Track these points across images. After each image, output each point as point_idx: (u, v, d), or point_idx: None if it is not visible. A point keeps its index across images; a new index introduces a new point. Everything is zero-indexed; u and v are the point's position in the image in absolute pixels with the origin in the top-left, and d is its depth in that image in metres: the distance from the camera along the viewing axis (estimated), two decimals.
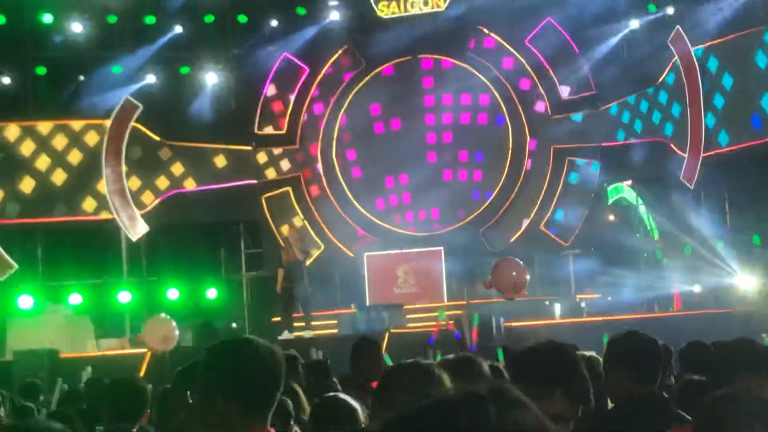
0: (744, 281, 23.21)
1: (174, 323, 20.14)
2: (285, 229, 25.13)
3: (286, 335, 22.25)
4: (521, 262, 19.56)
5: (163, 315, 20.97)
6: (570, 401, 4.08)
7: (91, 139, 27.12)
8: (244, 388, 3.79)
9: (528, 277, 19.59)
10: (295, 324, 23.13)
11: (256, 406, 3.81)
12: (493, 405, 1.72)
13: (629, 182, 28.65)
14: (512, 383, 4.34)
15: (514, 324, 20.87)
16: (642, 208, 28.57)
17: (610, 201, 29.03)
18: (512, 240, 27.48)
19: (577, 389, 4.12)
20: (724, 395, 3.84)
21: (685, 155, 24.31)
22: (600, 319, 21.12)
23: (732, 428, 3.61)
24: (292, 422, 6.70)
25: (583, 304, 24.14)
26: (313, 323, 23.17)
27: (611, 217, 28.79)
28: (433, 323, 21.30)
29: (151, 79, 27.56)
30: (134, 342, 23.83)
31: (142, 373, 18.85)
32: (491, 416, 1.70)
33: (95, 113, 27.00)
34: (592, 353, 8.88)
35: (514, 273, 19.13)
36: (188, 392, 3.96)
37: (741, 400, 3.73)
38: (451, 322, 20.78)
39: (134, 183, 27.30)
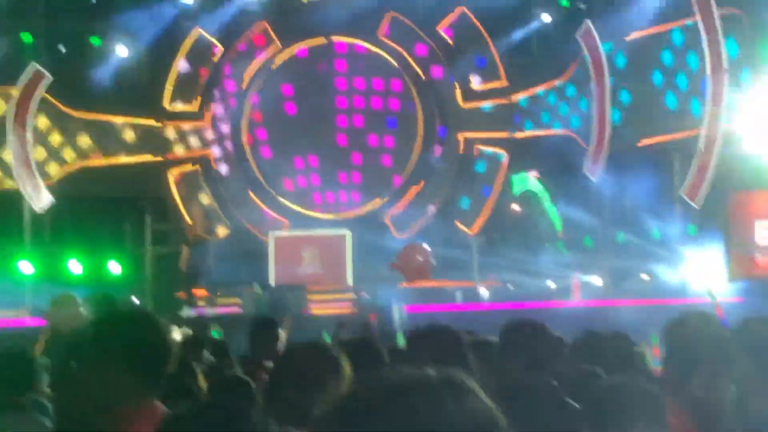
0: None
1: (81, 302, 19.98)
2: (191, 207, 24.95)
3: (188, 312, 22.17)
4: (428, 248, 19.71)
5: (71, 294, 20.80)
6: None
7: None
8: (132, 358, 3.73)
9: (433, 263, 19.74)
10: (198, 302, 23.06)
11: (144, 379, 3.75)
12: (447, 392, 1.72)
13: (535, 173, 28.93)
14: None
15: (415, 309, 21.01)
16: (546, 200, 28.87)
17: (516, 191, 29.28)
18: (417, 226, 27.64)
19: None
20: (611, 385, 3.94)
21: (590, 149, 24.61)
22: (500, 306, 21.32)
23: (617, 417, 3.71)
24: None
25: (483, 291, 24.33)
26: (216, 301, 23.11)
27: (516, 208, 29.05)
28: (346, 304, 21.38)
29: (61, 49, 27.23)
30: (35, 313, 23.60)
31: (40, 345, 18.66)
32: (447, 403, 1.70)
33: (2, 80, 26.60)
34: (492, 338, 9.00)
35: (420, 258, 19.30)
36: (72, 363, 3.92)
37: (627, 390, 3.83)
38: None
39: (40, 153, 26.96)
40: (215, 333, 19.58)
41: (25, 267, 26.20)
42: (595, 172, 24.54)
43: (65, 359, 4.72)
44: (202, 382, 7.74)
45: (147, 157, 28.14)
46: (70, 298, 18.44)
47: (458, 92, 28.19)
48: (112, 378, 3.69)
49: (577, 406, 5.08)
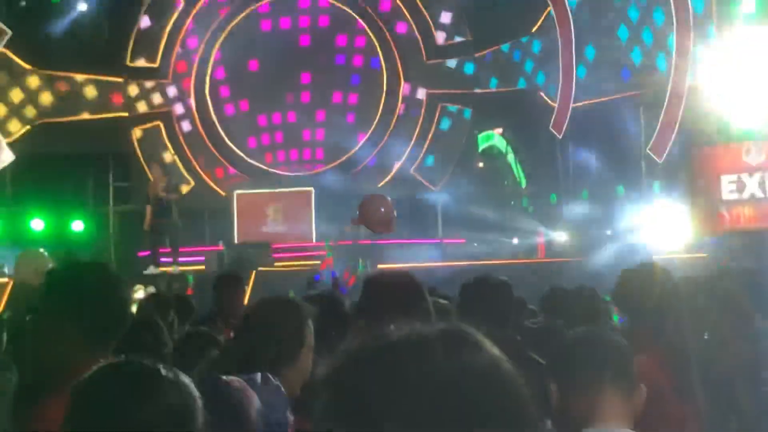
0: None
1: (47, 257, 19.89)
2: (151, 165, 24.75)
3: (152, 270, 22.10)
4: (388, 198, 19.60)
5: (37, 250, 20.72)
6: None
7: None
8: (87, 310, 3.63)
9: (395, 212, 19.64)
10: (162, 259, 22.97)
11: (102, 332, 3.65)
12: (443, 346, 1.68)
13: (500, 130, 28.96)
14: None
15: (383, 266, 20.99)
16: (511, 156, 28.91)
17: (480, 148, 29.30)
18: (382, 183, 27.60)
19: (420, 316, 4.22)
20: (576, 337, 3.92)
21: (555, 105, 24.61)
22: (464, 263, 21.34)
23: (583, 368, 3.68)
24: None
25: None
26: (179, 259, 23.04)
27: (480, 164, 29.08)
28: (307, 262, 21.35)
29: (21, 3, 26.94)
30: None
31: (2, 303, 18.58)
32: (438, 356, 1.66)
33: None
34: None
35: (381, 209, 19.18)
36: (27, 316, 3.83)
37: (592, 341, 3.81)
38: (330, 258, 20.82)
39: (0, 110, 26.73)
40: (190, 278, 19.61)
41: None
42: (560, 129, 24.54)
43: (23, 314, 4.65)
44: (168, 339, 7.69)
45: (109, 115, 27.92)
46: (36, 254, 18.35)
47: (422, 48, 28.08)
48: (65, 332, 3.60)
49: (541, 360, 5.07)
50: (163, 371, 2.56)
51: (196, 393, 2.58)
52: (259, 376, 3.63)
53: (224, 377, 3.41)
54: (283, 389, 3.74)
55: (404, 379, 1.63)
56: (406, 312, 4.20)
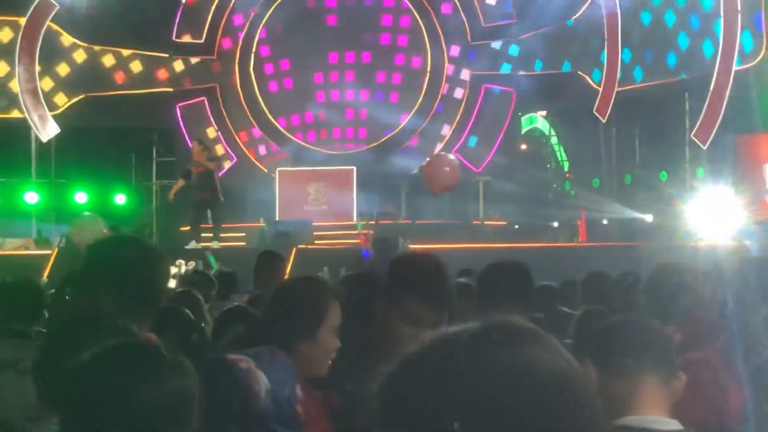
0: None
1: (102, 223, 20.17)
2: (193, 140, 24.82)
3: (193, 245, 22.19)
4: (455, 160, 19.43)
5: (93, 215, 21.02)
6: (430, 306, 4.19)
7: (5, 35, 26.65)
8: (127, 283, 3.67)
9: (458, 177, 19.46)
10: (203, 234, 23.08)
11: (138, 305, 3.68)
12: (501, 343, 1.68)
13: (543, 113, 28.86)
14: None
15: (417, 246, 20.95)
16: (554, 140, 28.83)
17: (524, 131, 29.22)
18: (424, 164, 27.57)
19: (437, 296, 4.24)
20: (616, 322, 3.91)
21: (600, 89, 24.48)
22: (504, 245, 21.31)
23: (622, 354, 3.67)
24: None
25: (489, 231, 24.33)
26: (221, 235, 23.13)
27: (523, 147, 29.01)
28: (351, 239, 21.38)
29: None
30: (39, 242, 23.72)
31: (45, 275, 18.73)
32: (502, 354, 1.66)
33: (10, 9, 26.48)
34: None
35: (447, 169, 19.08)
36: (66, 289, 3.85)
37: (632, 327, 3.80)
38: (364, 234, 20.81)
39: (47, 83, 26.91)
40: (212, 259, 19.63)
41: (31, 197, 26.23)
42: (604, 112, 24.42)
43: (62, 285, 4.68)
44: (207, 315, 7.75)
45: (154, 90, 28.05)
46: (92, 219, 18.42)
47: (468, 29, 27.99)
48: (101, 304, 3.62)
49: (568, 342, 5.06)
50: (165, 353, 2.58)
51: (194, 376, 2.60)
52: (266, 349, 3.62)
53: (231, 356, 3.42)
54: (291, 363, 3.74)
55: (470, 376, 1.63)
56: (427, 293, 4.25)
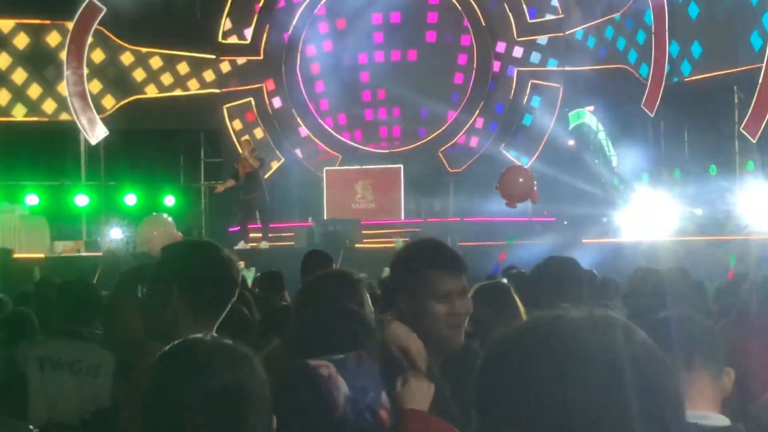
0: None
1: (170, 223, 20.41)
2: (242, 140, 24.93)
3: (242, 245, 22.30)
4: (529, 170, 19.46)
5: (160, 214, 21.32)
6: (455, 276, 4.17)
7: (53, 39, 26.86)
8: (199, 285, 3.75)
9: (534, 186, 19.47)
10: (252, 235, 23.17)
11: (208, 307, 3.77)
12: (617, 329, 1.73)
13: (591, 108, 28.71)
14: None
15: (467, 244, 20.92)
16: (602, 135, 28.68)
17: (571, 126, 29.08)
18: (471, 161, 27.56)
19: (459, 263, 4.23)
20: (665, 317, 3.89)
21: (648, 83, 24.35)
22: (550, 242, 21.20)
23: (670, 349, 3.65)
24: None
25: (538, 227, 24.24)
26: (270, 235, 23.23)
27: (571, 142, 28.87)
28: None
29: None
30: (90, 244, 23.92)
31: (95, 278, 18.84)
32: (619, 339, 1.71)
33: (58, 13, 26.69)
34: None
35: (521, 180, 19.09)
36: (138, 288, 3.89)
37: (681, 322, 3.78)
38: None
39: (95, 86, 27.11)
40: (246, 272, 19.73)
41: (81, 200, 26.43)
42: (652, 107, 24.28)
43: (117, 292, 4.72)
44: (256, 313, 7.78)
45: (201, 91, 28.19)
46: (160, 218, 18.50)
47: (513, 25, 27.92)
48: (173, 303, 3.70)
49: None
50: (237, 350, 2.59)
51: (262, 375, 2.60)
52: (354, 355, 3.60)
53: (313, 362, 3.40)
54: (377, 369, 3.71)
55: (573, 360, 1.67)
56: (450, 262, 4.25)
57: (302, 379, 3.21)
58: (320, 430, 3.17)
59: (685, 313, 4.01)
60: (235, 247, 21.76)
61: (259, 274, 13.10)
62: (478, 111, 28.07)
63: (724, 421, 3.53)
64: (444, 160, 27.65)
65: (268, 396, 2.58)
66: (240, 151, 23.64)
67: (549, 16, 27.73)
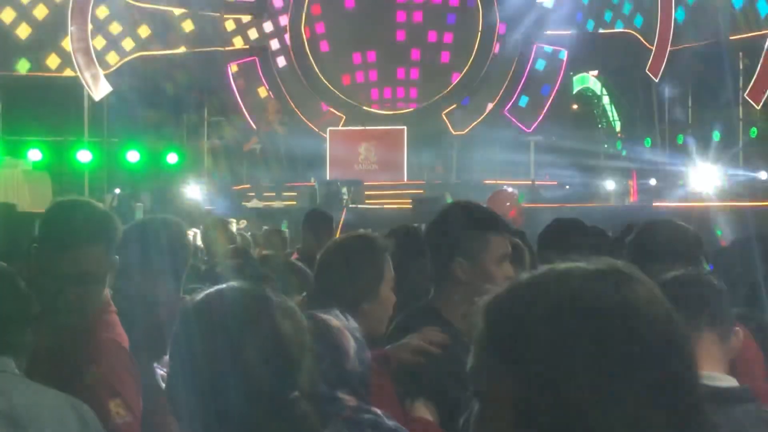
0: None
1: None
2: (267, 103, 24.98)
3: (255, 203, 22.45)
4: (514, 191, 19.52)
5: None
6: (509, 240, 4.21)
7: None
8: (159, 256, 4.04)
9: (521, 206, 19.57)
10: (265, 194, 23.34)
11: (165, 270, 4.08)
12: (613, 279, 1.71)
13: (595, 73, 28.66)
14: None
15: None
16: (606, 100, 28.64)
17: (575, 91, 29.04)
18: (474, 123, 27.50)
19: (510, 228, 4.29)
20: (673, 278, 3.88)
21: (653, 48, 24.29)
22: (555, 205, 21.21)
23: (678, 310, 3.63)
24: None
25: (541, 191, 24.25)
26: (283, 194, 23.39)
27: (575, 107, 28.84)
28: (398, 200, 21.41)
29: None
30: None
31: None
32: (613, 289, 1.68)
33: None
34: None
35: (508, 204, 19.11)
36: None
37: (689, 283, 3.77)
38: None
39: (99, 42, 27.03)
40: (284, 227, 19.84)
41: (84, 156, 26.40)
42: (657, 72, 24.24)
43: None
44: (260, 271, 7.80)
45: (205, 49, 28.10)
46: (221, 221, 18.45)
47: None
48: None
49: None
50: (274, 297, 2.60)
51: (305, 322, 2.62)
52: (338, 312, 3.61)
53: (320, 314, 3.41)
54: (359, 327, 3.71)
55: (582, 309, 1.66)
56: (507, 228, 4.34)
57: (318, 330, 3.23)
58: (333, 379, 3.19)
59: (692, 273, 4.01)
60: (249, 205, 21.93)
61: (266, 228, 13.15)
62: (482, 73, 27.97)
63: (732, 381, 3.55)
64: (448, 122, 27.60)
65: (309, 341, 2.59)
66: (267, 112, 23.77)
67: None
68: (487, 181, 23.71)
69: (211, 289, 2.62)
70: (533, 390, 1.64)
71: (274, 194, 23.17)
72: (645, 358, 1.65)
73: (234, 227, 18.95)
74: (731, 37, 22.62)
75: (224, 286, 2.64)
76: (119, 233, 3.83)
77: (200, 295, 2.61)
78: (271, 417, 2.44)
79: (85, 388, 3.41)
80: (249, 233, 12.69)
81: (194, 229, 13.27)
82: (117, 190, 24.57)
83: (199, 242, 11.27)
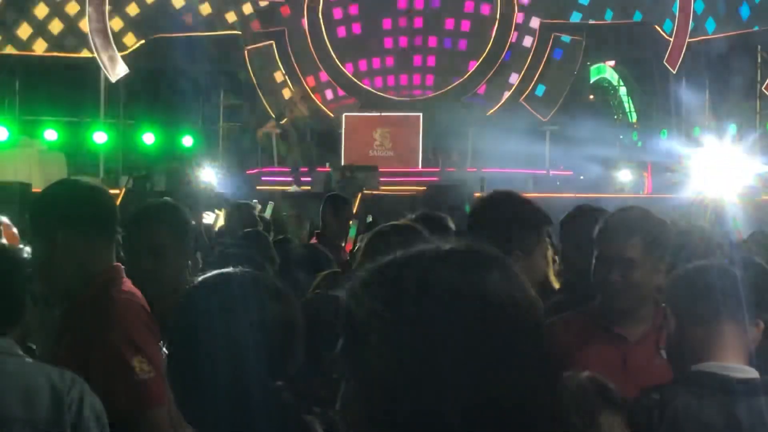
0: None
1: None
2: (293, 90, 25.12)
3: (294, 188, 22.77)
4: None
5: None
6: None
7: None
8: (77, 218, 3.90)
9: None
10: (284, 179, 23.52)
11: (95, 236, 3.91)
12: (467, 263, 1.70)
13: (612, 63, 28.60)
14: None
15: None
16: (623, 90, 28.58)
17: (592, 80, 28.98)
18: (491, 112, 27.46)
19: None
20: (696, 268, 3.86)
21: (671, 39, 24.22)
22: (570, 195, 21.16)
23: (700, 300, 3.62)
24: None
25: (557, 182, 24.22)
26: (301, 179, 23.53)
27: (591, 97, 28.78)
28: (413, 187, 21.41)
29: None
30: (107, 182, 23.96)
31: None
32: (461, 274, 1.68)
33: None
34: None
35: None
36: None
37: (711, 273, 3.76)
38: None
39: (117, 23, 27.03)
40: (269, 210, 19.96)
41: (99, 137, 26.43)
42: (675, 63, 24.18)
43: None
44: (275, 254, 7.82)
45: (223, 32, 28.08)
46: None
47: None
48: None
49: None
50: (266, 282, 2.61)
51: (297, 305, 2.63)
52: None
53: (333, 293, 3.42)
54: None
55: (422, 293, 1.67)
56: None
57: (327, 306, 3.23)
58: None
59: (713, 264, 4.00)
60: (290, 189, 22.22)
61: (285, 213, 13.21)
62: (499, 61, 27.91)
63: (752, 373, 3.53)
64: (463, 110, 27.55)
65: (303, 325, 2.60)
66: (293, 95, 23.86)
67: None
68: (500, 170, 23.69)
69: (207, 275, 2.68)
70: (382, 371, 1.66)
71: (292, 179, 23.23)
72: (486, 342, 1.65)
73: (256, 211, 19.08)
74: (749, 30, 22.55)
75: (218, 271, 2.68)
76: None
77: (196, 281, 2.68)
78: (253, 404, 2.45)
79: (109, 348, 3.54)
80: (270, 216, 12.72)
81: (216, 212, 13.30)
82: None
83: (220, 224, 11.32)
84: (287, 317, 2.54)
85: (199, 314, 2.58)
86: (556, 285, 5.39)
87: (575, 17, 27.73)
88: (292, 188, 22.83)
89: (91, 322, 3.69)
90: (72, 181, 4.59)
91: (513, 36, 28.02)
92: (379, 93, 28.27)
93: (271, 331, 2.50)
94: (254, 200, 15.28)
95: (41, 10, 26.60)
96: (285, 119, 23.64)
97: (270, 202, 18.08)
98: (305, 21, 28.37)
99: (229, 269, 2.71)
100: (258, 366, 2.46)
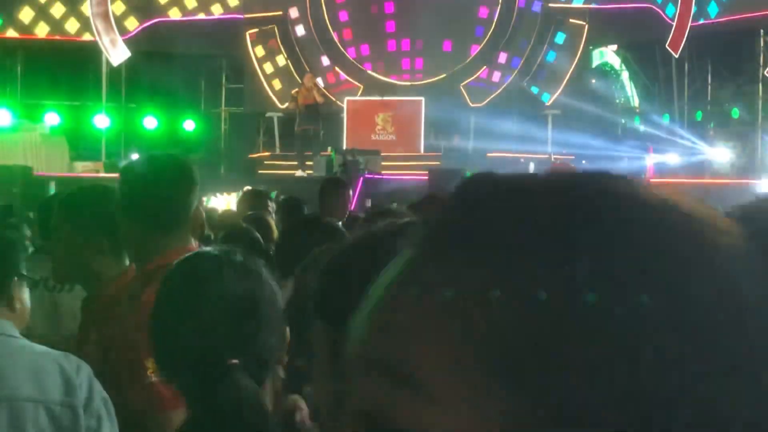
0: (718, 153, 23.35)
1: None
2: (307, 73, 25.14)
3: (300, 173, 22.79)
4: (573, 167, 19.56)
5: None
6: None
7: None
8: (143, 205, 3.70)
9: None
10: (307, 162, 23.53)
11: (163, 224, 3.70)
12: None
13: (614, 47, 28.56)
14: None
15: None
16: (625, 74, 28.55)
17: (594, 65, 28.94)
18: (493, 96, 27.44)
19: None
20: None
21: (673, 23, 24.19)
22: None
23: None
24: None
25: (558, 163, 24.19)
26: (307, 163, 23.53)
27: (593, 81, 28.75)
28: (415, 171, 21.45)
29: None
30: (109, 166, 23.98)
31: None
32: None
33: None
34: None
35: None
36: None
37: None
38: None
39: (118, 7, 27.01)
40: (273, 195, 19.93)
41: (101, 121, 26.45)
42: (677, 47, 24.15)
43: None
44: (273, 237, 7.83)
45: (224, 16, 28.06)
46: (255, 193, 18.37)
47: None
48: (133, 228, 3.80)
49: None
50: (235, 258, 2.63)
51: (272, 286, 2.64)
52: None
53: None
54: None
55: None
56: None
57: None
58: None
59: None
60: (297, 174, 22.26)
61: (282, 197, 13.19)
62: (501, 45, 27.87)
63: None
64: (465, 94, 27.53)
65: (280, 307, 2.61)
66: (304, 82, 23.87)
67: None
68: (502, 154, 23.70)
69: (185, 255, 2.73)
70: None
71: (296, 163, 23.26)
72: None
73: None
74: (752, 15, 22.52)
75: (196, 251, 2.74)
76: None
77: (181, 258, 2.74)
78: (207, 382, 2.47)
79: (128, 348, 3.47)
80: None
81: (227, 197, 13.33)
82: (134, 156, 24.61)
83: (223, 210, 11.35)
84: (250, 294, 2.55)
85: (168, 290, 2.64)
86: None
87: (577, 1, 27.69)
88: (298, 173, 22.87)
89: (115, 322, 3.64)
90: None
91: (515, 21, 27.96)
92: (381, 77, 28.22)
93: (232, 308, 2.52)
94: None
95: None
96: (293, 104, 23.62)
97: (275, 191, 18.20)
98: (307, 5, 28.32)
99: (207, 248, 2.75)
100: (214, 342, 2.49)
